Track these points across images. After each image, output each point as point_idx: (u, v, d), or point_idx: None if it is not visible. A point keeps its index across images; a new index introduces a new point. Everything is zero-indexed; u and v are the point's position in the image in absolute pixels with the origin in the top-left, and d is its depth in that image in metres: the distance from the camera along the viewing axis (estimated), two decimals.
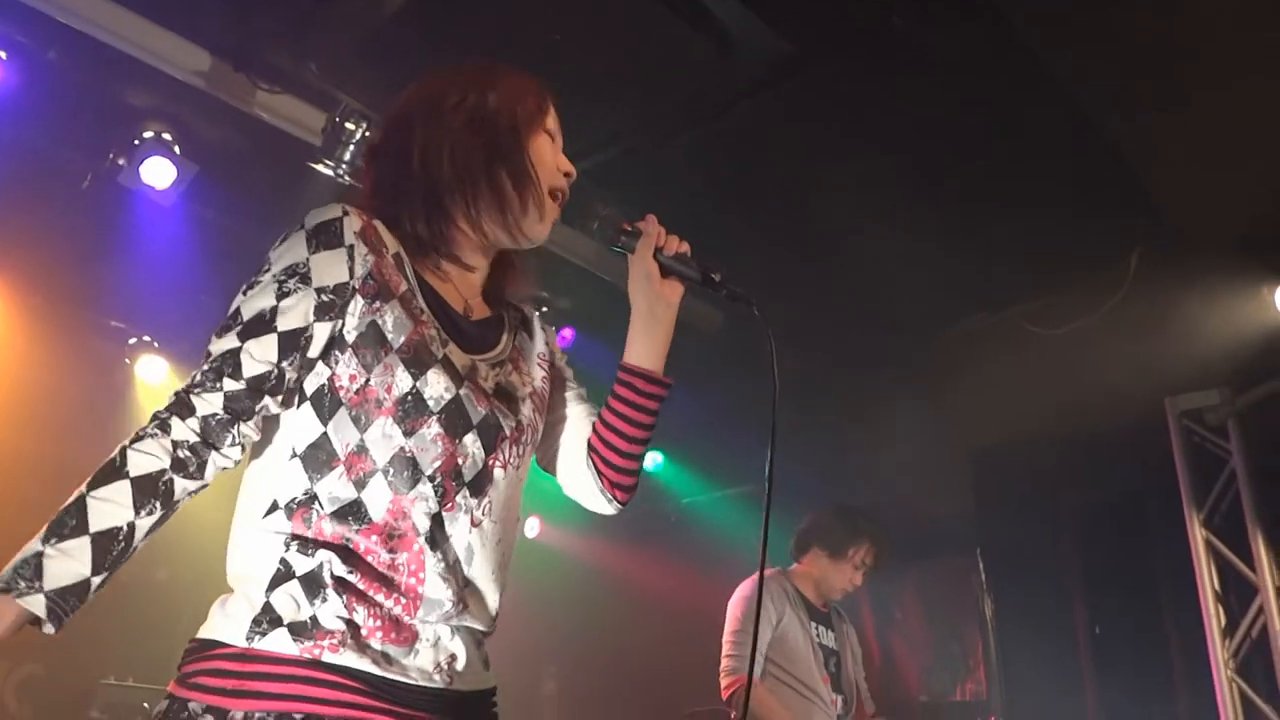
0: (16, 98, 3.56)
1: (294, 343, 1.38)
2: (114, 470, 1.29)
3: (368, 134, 3.58)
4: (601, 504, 1.71)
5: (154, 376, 5.23)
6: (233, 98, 3.63)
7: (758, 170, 4.20)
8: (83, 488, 1.28)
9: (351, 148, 3.55)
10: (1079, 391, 4.89)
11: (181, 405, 1.34)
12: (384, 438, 1.38)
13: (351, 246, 1.43)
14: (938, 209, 4.37)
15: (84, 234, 4.32)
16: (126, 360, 5.19)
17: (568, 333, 5.37)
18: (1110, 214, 4.27)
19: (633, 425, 1.62)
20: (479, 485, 1.44)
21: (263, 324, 1.37)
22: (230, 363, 1.35)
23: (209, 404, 1.34)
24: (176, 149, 3.90)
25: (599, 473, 1.66)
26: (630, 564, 6.23)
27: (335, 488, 1.37)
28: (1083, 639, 4.89)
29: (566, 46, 2.82)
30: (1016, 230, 4.47)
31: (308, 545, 1.35)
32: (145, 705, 4.37)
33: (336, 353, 1.41)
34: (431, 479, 1.40)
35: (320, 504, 1.37)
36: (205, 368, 1.36)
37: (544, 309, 5.32)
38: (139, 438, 1.32)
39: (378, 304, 1.42)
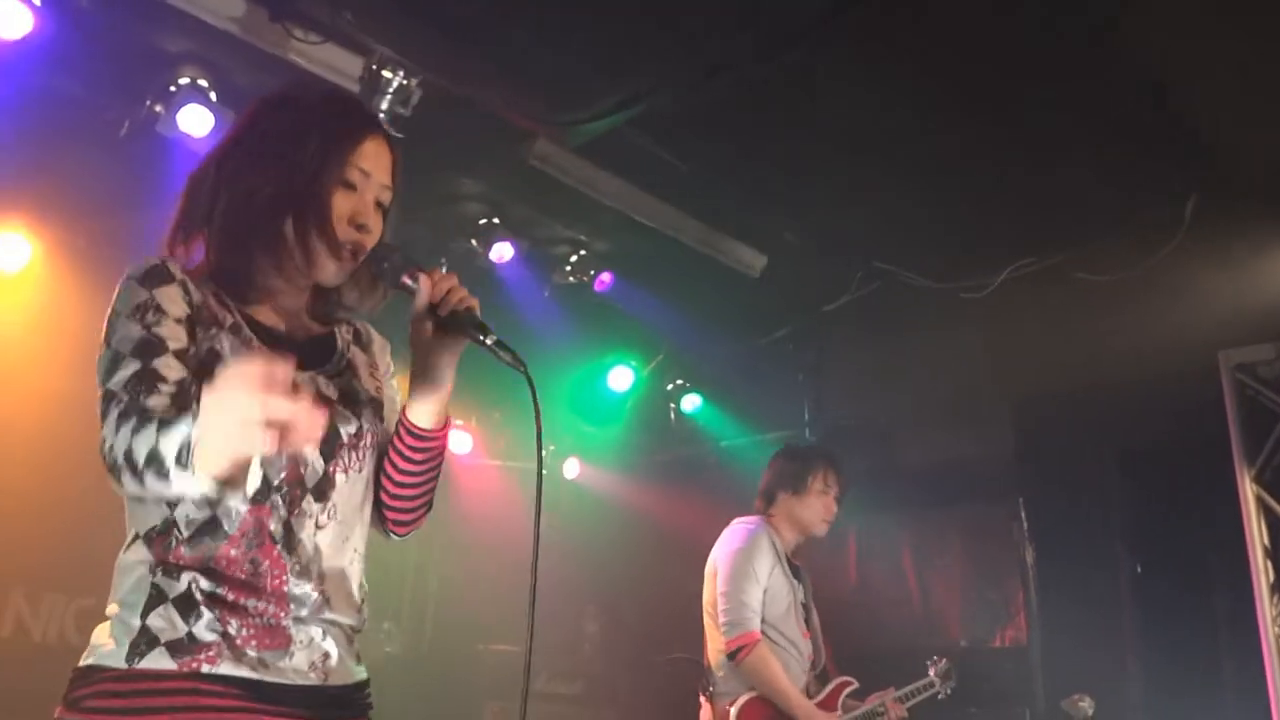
0: (52, 45, 3.52)
1: (183, 360, 1.47)
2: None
3: (405, 81, 3.52)
4: (381, 531, 1.78)
5: None
6: (268, 44, 3.57)
7: (809, 112, 4.09)
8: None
9: (389, 97, 3.48)
10: (1127, 340, 4.79)
11: (137, 430, 1.32)
12: None
13: (184, 282, 1.55)
14: (989, 152, 4.25)
15: (124, 180, 4.29)
16: None
17: (607, 276, 5.32)
18: (1165, 161, 4.14)
19: (402, 474, 1.70)
20: (321, 490, 1.57)
21: (154, 347, 1.45)
22: (150, 380, 1.41)
23: (148, 433, 1.29)
24: (213, 95, 3.85)
25: (380, 506, 1.72)
26: (669, 506, 6.26)
27: (190, 511, 1.47)
28: (1125, 590, 4.86)
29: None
30: (1068, 175, 4.36)
31: (171, 570, 1.46)
32: None
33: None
34: (279, 489, 1.51)
35: (179, 529, 1.48)
36: (128, 395, 1.39)
37: (582, 251, 5.27)
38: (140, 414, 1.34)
39: (213, 331, 1.53)
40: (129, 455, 1.29)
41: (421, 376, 1.66)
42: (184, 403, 1.40)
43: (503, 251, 4.91)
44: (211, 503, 1.46)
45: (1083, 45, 3.46)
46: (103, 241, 4.96)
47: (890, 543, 5.62)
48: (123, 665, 1.42)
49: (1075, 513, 5.05)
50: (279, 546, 1.51)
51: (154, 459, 1.26)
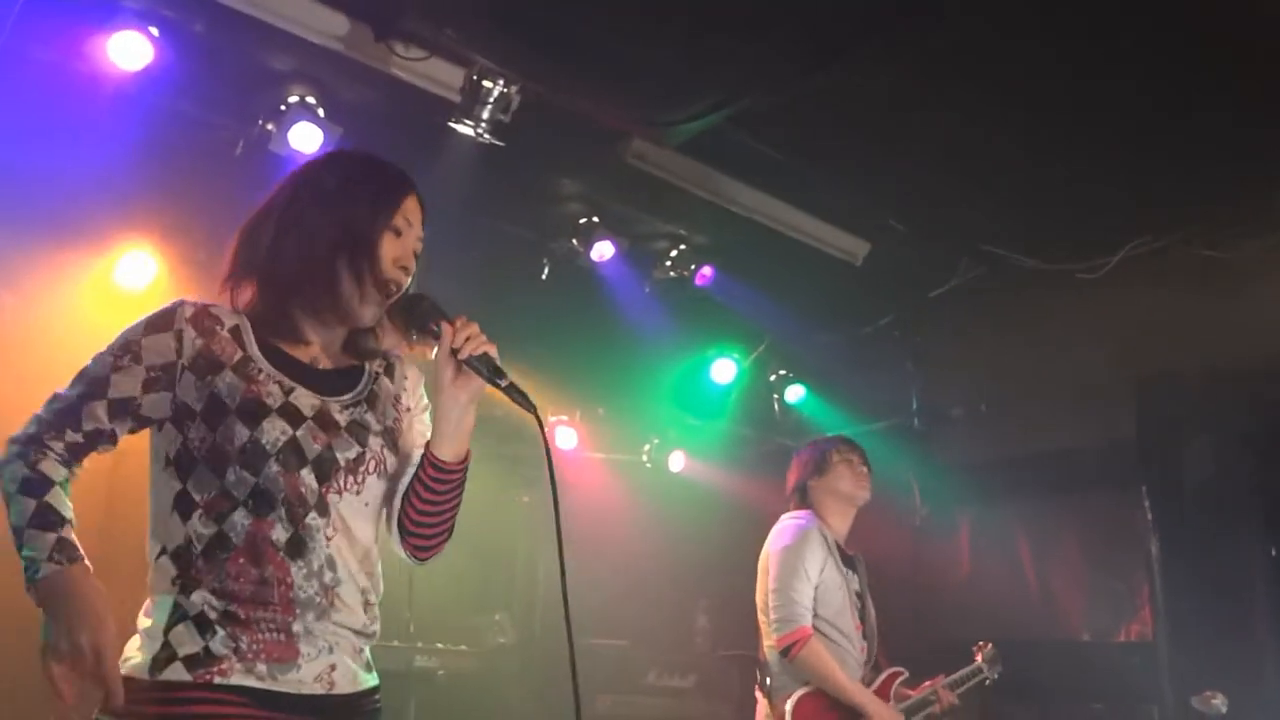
0: (170, 71, 3.66)
1: (123, 409, 1.71)
2: (46, 482, 1.65)
3: (504, 90, 3.56)
4: (406, 555, 1.94)
5: None
6: (372, 60, 3.65)
7: (910, 97, 3.99)
8: (35, 499, 1.63)
9: (490, 105, 3.53)
10: (1255, 317, 4.57)
11: (38, 443, 1.68)
12: (239, 480, 1.67)
13: (180, 331, 1.73)
14: (1110, 131, 4.09)
15: (240, 197, 4.40)
16: None
17: (708, 270, 5.30)
18: None
19: (425, 503, 1.86)
20: (323, 508, 1.72)
21: (99, 390, 1.70)
22: (72, 419, 1.70)
23: (55, 449, 1.68)
24: (320, 112, 3.96)
25: (403, 531, 1.89)
26: (776, 497, 6.21)
27: (199, 528, 1.67)
28: (1259, 580, 4.64)
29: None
30: (1192, 150, 4.16)
31: (190, 586, 1.65)
32: None
33: (187, 420, 1.71)
34: (284, 504, 1.69)
35: (195, 544, 1.67)
36: (51, 416, 1.70)
37: (681, 246, 5.26)
38: (34, 461, 1.66)
39: (209, 377, 1.71)
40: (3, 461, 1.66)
41: (444, 415, 1.84)
42: (71, 457, 1.69)
43: (603, 250, 4.94)
44: (218, 519, 1.66)
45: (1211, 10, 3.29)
46: (220, 256, 5.16)
47: (1005, 533, 5.49)
48: (147, 676, 1.61)
49: (1203, 501, 4.84)
50: (283, 554, 1.68)
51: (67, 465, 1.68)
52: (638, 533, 6.66)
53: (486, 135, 3.59)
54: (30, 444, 1.68)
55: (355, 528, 1.77)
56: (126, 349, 1.73)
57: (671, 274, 5.26)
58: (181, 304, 1.76)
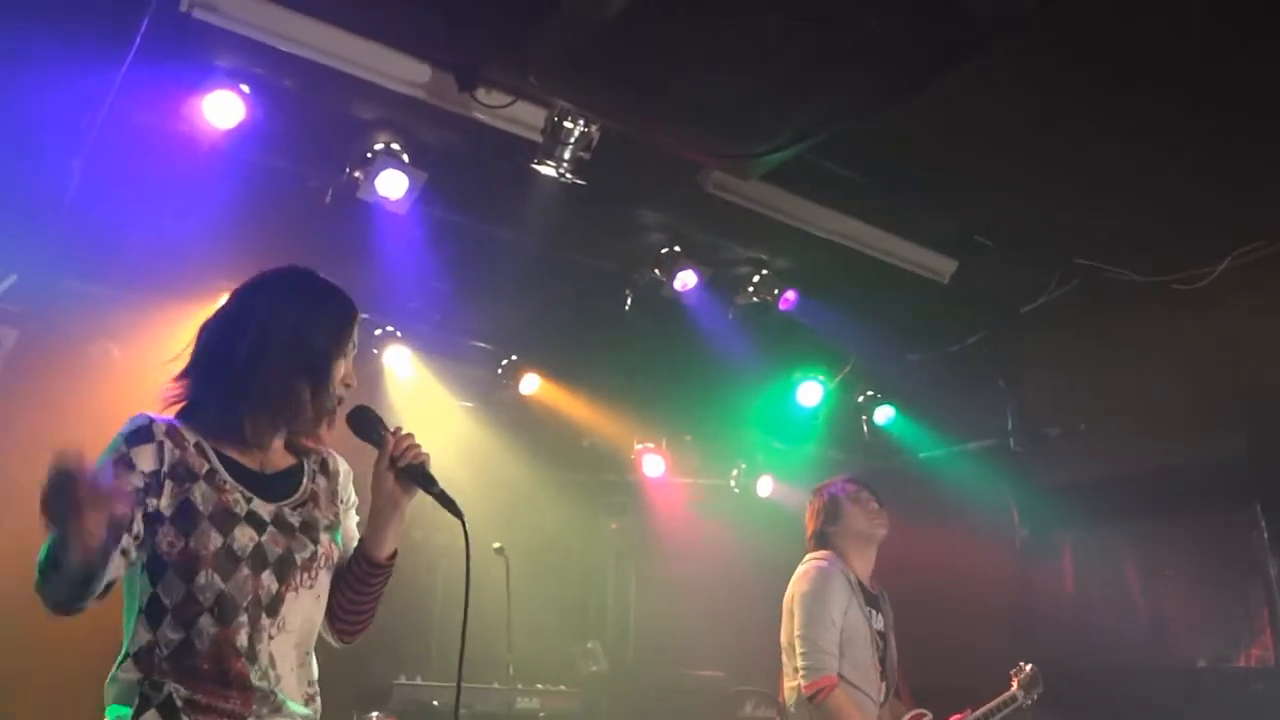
0: (261, 126, 3.77)
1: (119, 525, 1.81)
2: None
3: (585, 129, 3.58)
4: (330, 637, 2.13)
5: (399, 364, 5.52)
6: (455, 105, 3.71)
7: (993, 112, 3.90)
8: None
9: (571, 146, 3.56)
10: None
11: None
12: (207, 585, 1.84)
13: (161, 443, 1.90)
14: (1215, 139, 3.93)
15: (330, 242, 4.57)
16: (374, 350, 5.50)
17: (791, 295, 5.25)
18: None
19: (357, 594, 2.08)
20: (274, 608, 1.91)
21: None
22: None
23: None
24: (405, 157, 4.04)
25: (333, 618, 2.08)
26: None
27: (168, 633, 1.84)
28: None
29: (788, 35, 2.68)
30: None
31: (157, 682, 1.82)
32: (435, 703, 4.70)
33: (157, 526, 1.85)
34: (246, 610, 1.87)
35: (161, 649, 1.83)
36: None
37: (764, 271, 5.23)
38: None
39: (186, 485, 1.88)
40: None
41: (383, 518, 2.06)
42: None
43: (686, 279, 4.93)
44: (185, 625, 1.83)
45: None
46: None
47: (1110, 555, 5.31)
48: None
49: None
50: (243, 658, 1.86)
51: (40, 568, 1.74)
52: (728, 559, 6.61)
53: (569, 175, 3.62)
54: None
55: (305, 619, 1.97)
56: (118, 462, 1.87)
57: (755, 299, 5.23)
58: (152, 420, 1.94)
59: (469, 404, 6.27)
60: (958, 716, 3.74)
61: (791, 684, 3.69)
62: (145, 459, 1.88)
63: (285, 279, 2.09)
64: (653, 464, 6.69)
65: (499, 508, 6.51)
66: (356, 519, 2.18)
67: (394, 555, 2.08)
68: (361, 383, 6.01)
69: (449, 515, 2.05)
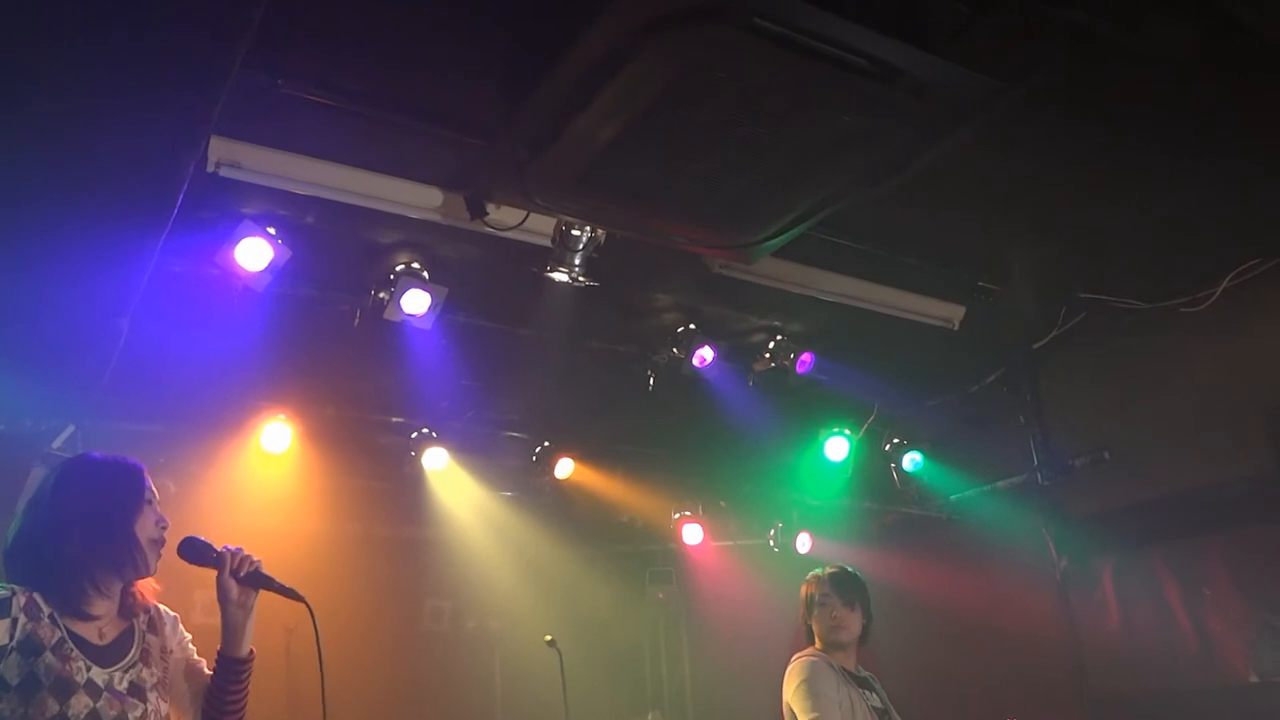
0: (290, 262, 4.00)
1: None
2: None
3: (592, 234, 3.79)
4: None
5: (437, 463, 5.70)
6: (468, 224, 3.93)
7: (986, 162, 4.03)
8: None
9: (580, 251, 3.76)
10: None
11: None
12: None
13: (15, 619, 2.17)
14: (1183, 154, 4.05)
15: (361, 358, 4.80)
16: (412, 452, 5.69)
17: (807, 357, 5.40)
18: None
19: (232, 693, 2.44)
20: None
21: None
22: None
23: None
24: (425, 274, 4.26)
25: (205, 716, 2.45)
26: (905, 568, 6.19)
27: None
28: None
29: (774, 140, 2.88)
30: None
31: None
32: None
33: (2, 694, 2.09)
34: None
35: None
36: None
37: (778, 337, 5.40)
38: None
39: (33, 658, 2.14)
40: None
41: (235, 623, 2.44)
42: None
43: (704, 355, 5.11)
44: None
45: None
46: (348, 404, 5.52)
47: (1150, 579, 5.35)
48: None
49: None
50: None
51: None
52: (772, 616, 6.68)
53: (581, 279, 3.82)
54: None
55: None
56: None
57: (772, 365, 5.38)
58: (14, 592, 2.20)
59: (508, 494, 6.44)
60: None
61: None
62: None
63: (76, 470, 2.41)
64: (692, 532, 6.81)
65: (546, 593, 6.65)
66: (193, 649, 2.55)
67: (252, 653, 2.46)
68: (402, 483, 6.25)
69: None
